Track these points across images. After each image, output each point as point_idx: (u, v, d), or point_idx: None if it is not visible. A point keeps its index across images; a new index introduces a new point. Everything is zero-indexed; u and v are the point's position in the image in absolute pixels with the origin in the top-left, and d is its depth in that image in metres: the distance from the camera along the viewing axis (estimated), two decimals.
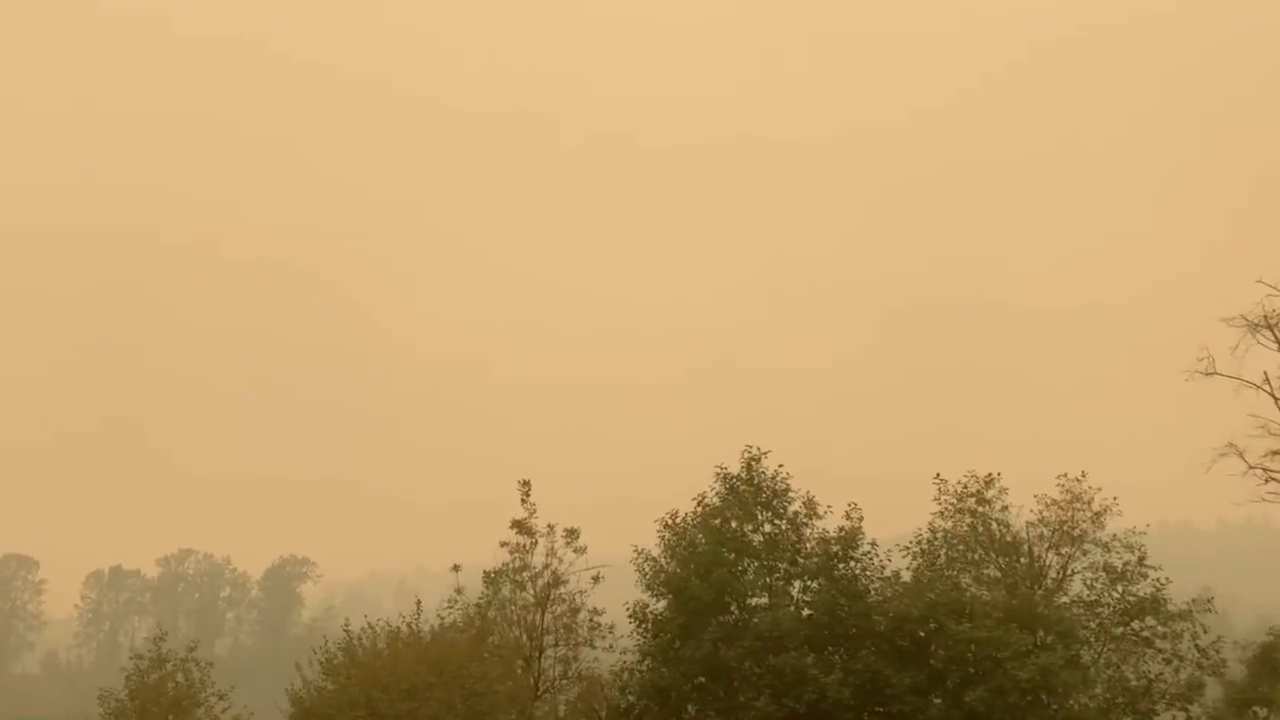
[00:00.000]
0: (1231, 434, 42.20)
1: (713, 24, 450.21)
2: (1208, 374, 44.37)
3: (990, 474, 39.23)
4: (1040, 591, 38.26)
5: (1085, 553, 38.76)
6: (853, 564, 37.41)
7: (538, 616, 40.33)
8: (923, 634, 34.68)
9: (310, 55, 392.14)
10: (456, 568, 40.68)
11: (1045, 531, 38.78)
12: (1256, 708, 42.94)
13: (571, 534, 40.45)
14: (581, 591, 40.60)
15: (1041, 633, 35.19)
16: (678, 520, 37.93)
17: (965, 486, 38.96)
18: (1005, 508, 38.97)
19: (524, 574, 39.74)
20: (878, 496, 44.83)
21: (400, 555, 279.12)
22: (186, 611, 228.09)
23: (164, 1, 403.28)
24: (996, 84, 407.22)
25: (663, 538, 37.94)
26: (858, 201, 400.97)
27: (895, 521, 46.25)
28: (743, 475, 38.37)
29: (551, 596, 40.29)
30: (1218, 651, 37.46)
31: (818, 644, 34.91)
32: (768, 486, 38.46)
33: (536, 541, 40.52)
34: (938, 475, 39.27)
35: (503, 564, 40.01)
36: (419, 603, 36.78)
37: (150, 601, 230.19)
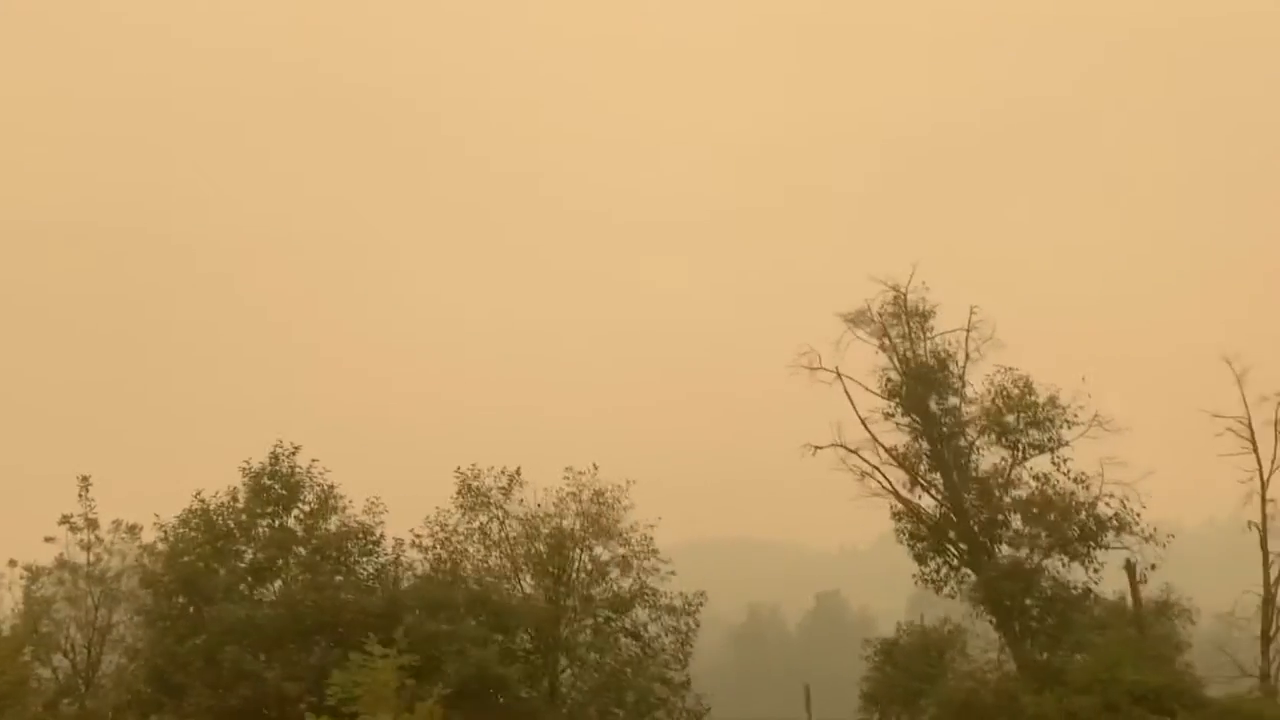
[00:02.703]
0: None
1: (714, 35, 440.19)
2: (813, 369, 44.64)
3: (515, 469, 39.55)
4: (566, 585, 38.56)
5: (605, 547, 38.97)
6: (368, 559, 37.78)
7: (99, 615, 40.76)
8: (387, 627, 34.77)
9: (297, 60, 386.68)
10: (13, 563, 40.99)
11: (567, 524, 38.91)
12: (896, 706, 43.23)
13: (133, 530, 40.78)
14: None
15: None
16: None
17: (470, 481, 39.13)
18: (521, 501, 39.20)
19: (67, 572, 39.98)
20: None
21: None
22: None
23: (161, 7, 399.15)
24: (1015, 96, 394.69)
25: (178, 533, 38.23)
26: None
27: None
28: (269, 469, 38.63)
29: (113, 594, 40.65)
30: (683, 644, 37.76)
31: (284, 638, 35.12)
32: (296, 481, 38.74)
33: (100, 539, 40.85)
34: (458, 468, 39.53)
35: (54, 560, 40.31)
36: None
37: None
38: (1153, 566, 40.03)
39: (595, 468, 39.19)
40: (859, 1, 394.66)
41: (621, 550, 38.92)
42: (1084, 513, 40.76)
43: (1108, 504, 40.43)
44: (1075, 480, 40.82)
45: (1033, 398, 41.05)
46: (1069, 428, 40.83)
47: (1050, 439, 40.98)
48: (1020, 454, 41.53)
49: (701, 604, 38.46)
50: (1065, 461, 40.96)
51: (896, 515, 43.22)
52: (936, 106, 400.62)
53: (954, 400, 43.48)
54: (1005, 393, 41.74)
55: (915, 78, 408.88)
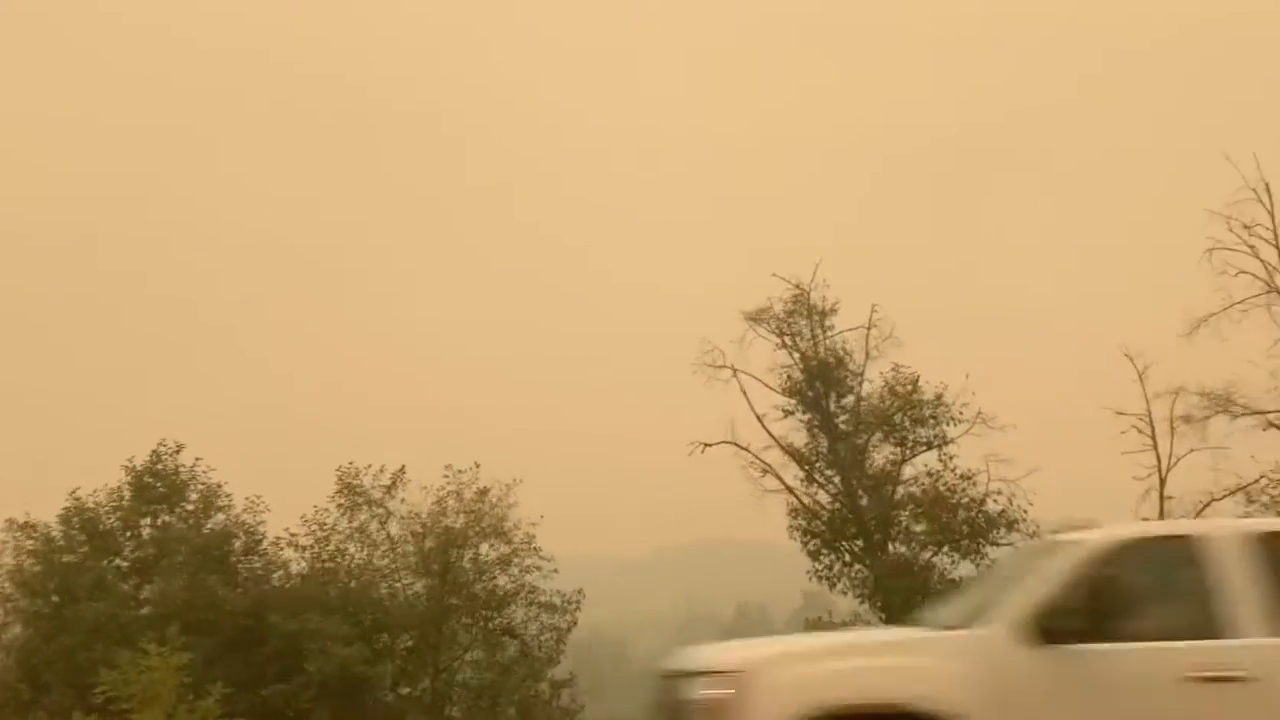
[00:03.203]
0: None
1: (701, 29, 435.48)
2: (716, 366, 44.68)
3: (400, 467, 39.66)
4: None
5: (493, 546, 39.10)
6: (251, 557, 38.04)
7: None
8: (252, 627, 35.06)
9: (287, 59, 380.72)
10: None
11: (450, 523, 38.97)
12: None
13: (26, 529, 41.02)
14: None
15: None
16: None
17: (350, 479, 39.19)
18: (403, 500, 39.29)
19: None
20: None
21: None
22: None
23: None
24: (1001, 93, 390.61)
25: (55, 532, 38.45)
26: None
27: None
28: (151, 467, 38.81)
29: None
30: (558, 642, 38.00)
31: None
32: (181, 480, 38.95)
33: None
34: (339, 467, 39.61)
35: None
36: None
37: None
38: None
39: (477, 466, 39.34)
40: (853, 4, 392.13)
41: (505, 548, 39.02)
42: (974, 509, 40.89)
43: (995, 500, 40.61)
44: (962, 477, 40.94)
45: (917, 395, 41.17)
46: (954, 424, 40.95)
47: (935, 436, 41.12)
48: (908, 451, 41.68)
49: (579, 603, 38.73)
50: (952, 459, 41.10)
51: (793, 512, 43.28)
52: (931, 112, 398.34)
53: (851, 398, 43.64)
54: (893, 390, 41.92)
55: (910, 83, 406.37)
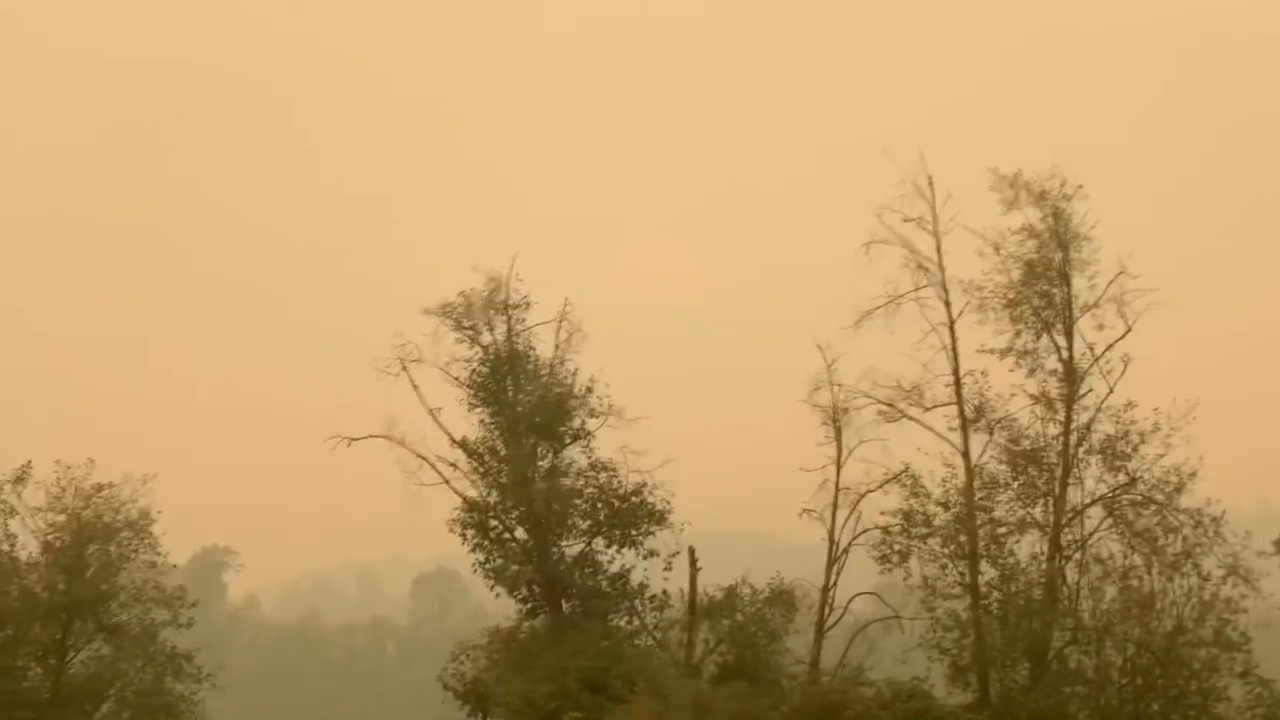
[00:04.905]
0: None
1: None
2: (415, 361, 43.83)
3: (26, 462, 39.37)
4: None
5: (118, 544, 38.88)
6: None
7: None
8: None
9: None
10: None
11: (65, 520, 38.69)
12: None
13: None
14: None
15: None
16: None
17: None
18: (21, 495, 39.02)
19: None
20: None
21: None
22: None
23: None
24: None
25: None
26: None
27: None
28: None
29: None
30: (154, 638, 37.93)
31: None
32: None
33: None
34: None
35: None
36: None
37: None
38: (676, 554, 39.54)
39: (91, 461, 39.04)
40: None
41: (130, 545, 38.75)
42: (624, 502, 40.39)
43: (640, 493, 40.15)
44: (603, 469, 40.49)
45: (559, 389, 40.72)
46: (595, 418, 40.54)
47: (578, 429, 40.74)
48: (557, 444, 41.19)
49: (180, 597, 38.72)
50: (592, 451, 40.82)
51: (466, 506, 42.59)
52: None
53: (528, 396, 42.92)
54: (548, 385, 41.41)
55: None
